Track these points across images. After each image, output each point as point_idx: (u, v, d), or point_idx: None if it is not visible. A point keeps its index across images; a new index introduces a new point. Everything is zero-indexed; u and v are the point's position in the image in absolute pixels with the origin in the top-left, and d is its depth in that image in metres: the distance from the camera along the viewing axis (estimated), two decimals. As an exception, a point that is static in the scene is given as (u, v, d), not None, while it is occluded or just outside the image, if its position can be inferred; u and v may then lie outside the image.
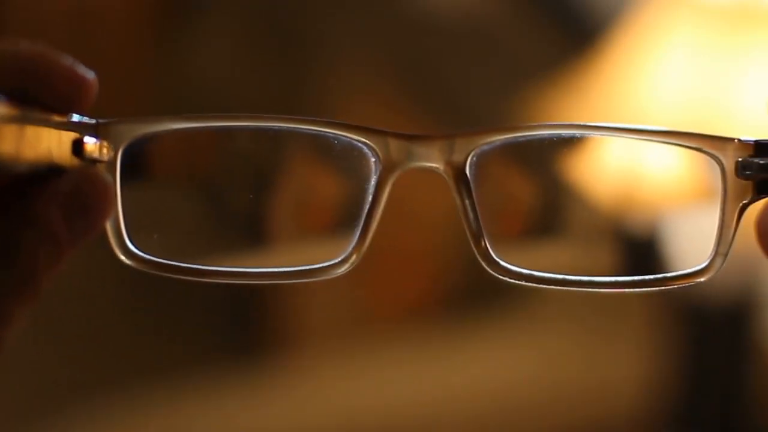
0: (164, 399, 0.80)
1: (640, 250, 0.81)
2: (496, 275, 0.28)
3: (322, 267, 0.27)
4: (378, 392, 0.81)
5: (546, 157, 0.29)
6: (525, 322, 0.84)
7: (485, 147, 0.28)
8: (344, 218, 0.27)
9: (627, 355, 0.84)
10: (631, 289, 0.29)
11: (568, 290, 0.28)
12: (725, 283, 0.81)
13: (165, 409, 0.80)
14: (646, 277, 0.28)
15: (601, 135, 0.29)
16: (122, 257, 0.27)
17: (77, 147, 0.26)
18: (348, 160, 0.28)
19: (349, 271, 0.28)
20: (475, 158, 0.28)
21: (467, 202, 0.28)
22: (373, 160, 0.28)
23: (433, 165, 0.28)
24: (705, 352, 0.83)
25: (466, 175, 0.28)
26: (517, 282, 0.28)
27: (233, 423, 0.80)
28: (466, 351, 0.82)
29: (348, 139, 0.28)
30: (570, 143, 0.28)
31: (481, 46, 0.91)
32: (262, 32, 0.90)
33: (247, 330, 0.86)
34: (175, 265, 0.27)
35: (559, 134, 0.29)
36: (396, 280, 0.82)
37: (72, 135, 0.26)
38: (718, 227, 0.28)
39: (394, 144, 0.28)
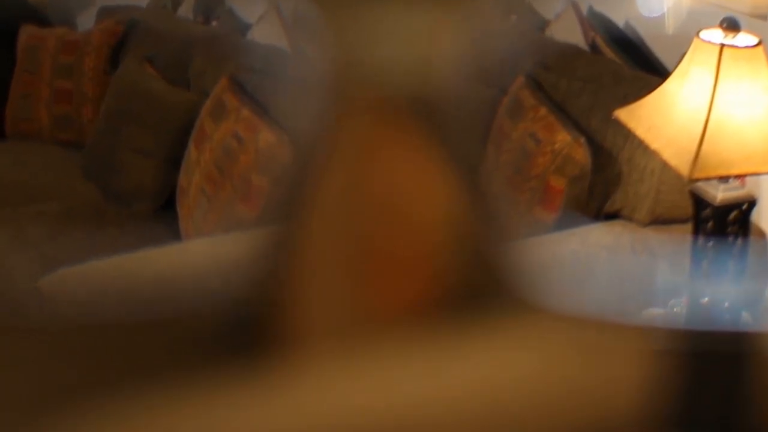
0: (164, 399, 0.81)
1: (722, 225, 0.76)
2: None
3: None
4: (378, 392, 0.82)
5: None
6: (525, 322, 0.84)
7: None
8: None
9: (627, 355, 0.84)
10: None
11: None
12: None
13: (165, 409, 0.80)
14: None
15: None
16: None
17: None
18: None
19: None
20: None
21: None
22: None
23: None
24: (705, 352, 0.83)
25: None
26: None
27: (233, 423, 0.80)
28: (465, 351, 0.82)
29: None
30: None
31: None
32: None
33: (246, 330, 0.86)
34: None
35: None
36: (396, 280, 0.82)
37: None
38: None
39: None
